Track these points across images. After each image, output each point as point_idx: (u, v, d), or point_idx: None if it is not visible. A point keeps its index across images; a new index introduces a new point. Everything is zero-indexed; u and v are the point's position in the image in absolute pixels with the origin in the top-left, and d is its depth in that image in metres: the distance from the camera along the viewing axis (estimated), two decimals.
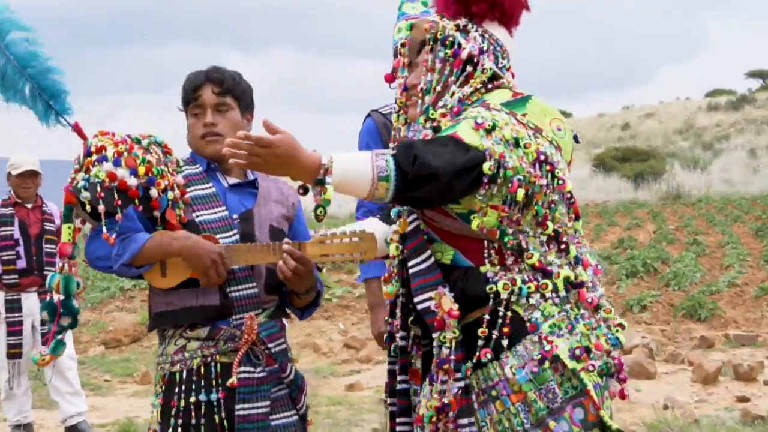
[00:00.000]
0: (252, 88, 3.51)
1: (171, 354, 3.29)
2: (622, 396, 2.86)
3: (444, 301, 2.73)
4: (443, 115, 2.84)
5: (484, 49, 2.89)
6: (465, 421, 2.74)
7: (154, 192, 3.19)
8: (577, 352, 2.69)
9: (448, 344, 2.75)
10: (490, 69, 2.88)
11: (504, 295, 2.71)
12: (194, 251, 3.17)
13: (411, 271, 2.82)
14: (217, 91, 3.37)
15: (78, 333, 11.34)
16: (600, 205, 26.02)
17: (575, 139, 2.98)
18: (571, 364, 2.68)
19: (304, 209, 3.58)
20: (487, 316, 2.73)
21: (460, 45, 2.88)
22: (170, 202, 3.24)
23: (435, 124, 2.83)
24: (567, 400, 2.69)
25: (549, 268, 2.75)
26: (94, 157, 3.18)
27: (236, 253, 3.21)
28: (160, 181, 3.21)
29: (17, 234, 7.12)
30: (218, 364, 3.24)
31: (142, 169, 3.17)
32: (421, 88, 2.92)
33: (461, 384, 2.75)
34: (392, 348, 3.03)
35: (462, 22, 2.93)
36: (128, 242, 3.18)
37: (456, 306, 2.72)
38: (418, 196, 2.64)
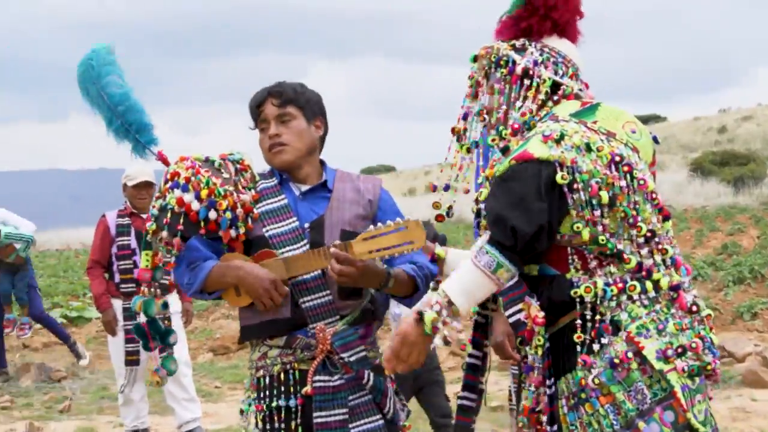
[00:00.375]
0: (319, 96, 3.55)
1: (255, 360, 3.42)
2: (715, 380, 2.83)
3: (531, 310, 2.76)
4: (512, 134, 2.88)
5: (539, 61, 2.93)
6: (552, 429, 2.78)
7: (213, 214, 3.31)
8: (669, 352, 2.68)
9: (533, 351, 2.79)
10: (549, 78, 2.91)
11: (588, 299, 2.73)
12: (247, 281, 3.28)
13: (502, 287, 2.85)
14: (277, 103, 3.44)
15: (187, 340, 11.54)
16: (699, 210, 25.56)
17: (654, 140, 2.97)
18: (658, 365, 2.67)
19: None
20: (579, 321, 2.75)
21: (515, 62, 2.93)
22: (230, 222, 3.33)
23: (505, 143, 2.88)
24: (656, 402, 2.67)
25: (645, 269, 2.75)
26: (169, 184, 3.36)
27: (295, 263, 3.28)
28: (222, 201, 3.32)
29: (134, 244, 7.24)
30: (297, 372, 3.34)
31: (204, 192, 3.31)
32: (479, 111, 2.99)
33: (549, 392, 2.78)
34: (462, 365, 3.08)
35: (519, 42, 2.98)
36: (196, 272, 3.35)
37: (542, 314, 2.75)
38: (534, 253, 2.70)
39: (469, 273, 2.68)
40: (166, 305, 3.50)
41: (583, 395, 2.72)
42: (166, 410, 8.03)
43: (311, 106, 3.48)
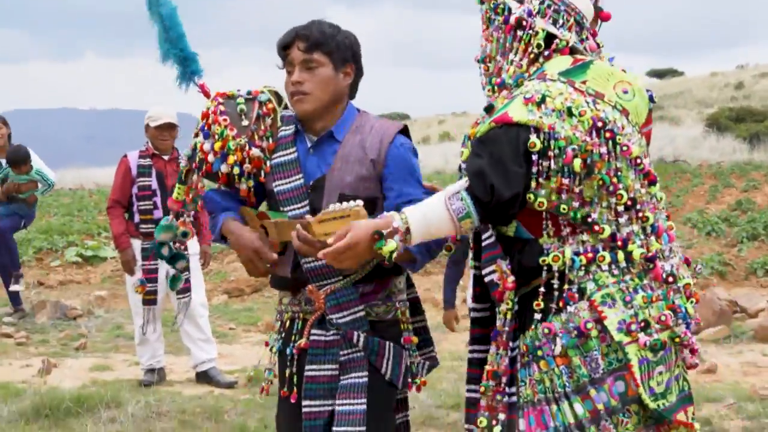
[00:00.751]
0: (352, 40, 3.34)
1: (277, 304, 3.48)
2: (691, 367, 2.82)
3: (502, 273, 2.76)
4: (500, 90, 2.84)
5: (536, 11, 2.84)
6: (509, 390, 2.81)
7: (225, 168, 3.31)
8: (633, 326, 2.66)
9: (502, 316, 2.79)
10: (543, 30, 2.83)
11: (555, 267, 2.71)
12: (236, 248, 3.32)
13: (483, 244, 2.85)
14: (303, 48, 3.26)
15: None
16: (714, 166, 25.42)
17: (651, 99, 2.88)
18: (617, 336, 2.65)
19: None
20: (543, 289, 2.74)
21: (510, 11, 2.86)
22: (236, 177, 3.32)
23: (491, 101, 2.84)
24: (609, 372, 2.67)
25: (620, 239, 2.71)
26: (200, 124, 3.36)
27: (281, 229, 3.22)
28: (231, 156, 3.30)
29: (155, 185, 7.30)
30: (301, 321, 3.36)
31: (218, 145, 3.31)
32: (478, 59, 2.93)
33: (511, 354, 2.80)
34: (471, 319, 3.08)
35: None
36: (215, 222, 3.38)
37: (512, 278, 2.75)
38: (502, 215, 2.69)
39: (437, 211, 2.68)
40: (185, 234, 3.55)
41: (539, 353, 2.72)
42: (181, 350, 8.12)
43: (341, 52, 3.29)
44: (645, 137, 2.84)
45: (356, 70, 3.37)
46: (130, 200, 7.36)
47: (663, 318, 2.69)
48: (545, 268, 2.73)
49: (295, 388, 3.35)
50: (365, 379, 3.25)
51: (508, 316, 2.78)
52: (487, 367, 2.85)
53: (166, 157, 7.38)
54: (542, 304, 2.72)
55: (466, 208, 2.63)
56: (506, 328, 2.79)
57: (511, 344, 2.80)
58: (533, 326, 2.74)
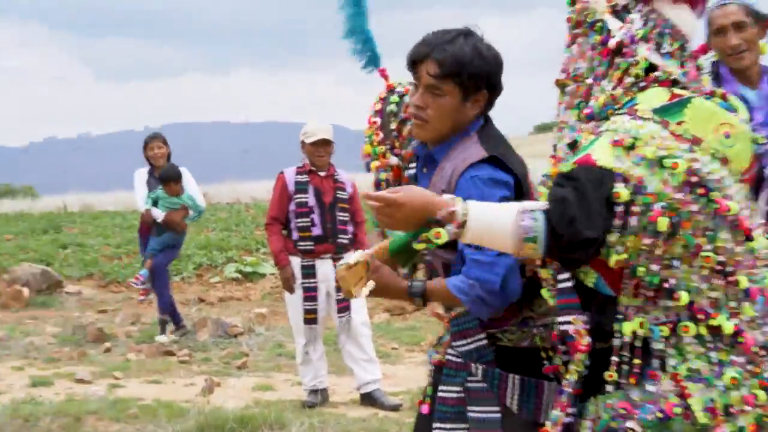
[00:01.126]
0: (492, 64, 3.03)
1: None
2: None
3: (579, 331, 2.49)
4: (587, 120, 2.53)
5: (639, 36, 2.50)
6: None
7: (371, 173, 3.30)
8: (717, 413, 2.35)
9: (570, 376, 2.53)
10: (645, 60, 2.50)
11: (627, 338, 2.40)
12: None
13: (558, 287, 2.53)
14: (434, 73, 2.99)
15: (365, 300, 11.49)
16: None
17: (755, 142, 2.54)
18: (702, 418, 2.33)
19: None
20: (615, 359, 2.43)
21: (609, 32, 2.54)
22: (384, 183, 3.28)
23: (574, 136, 2.56)
24: None
25: (704, 310, 2.37)
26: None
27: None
28: (374, 161, 3.27)
29: (312, 201, 7.23)
30: (449, 334, 3.21)
31: (367, 149, 3.30)
32: (573, 77, 2.63)
33: (569, 420, 2.54)
34: None
35: (623, 1, 2.56)
36: None
37: (587, 340, 2.46)
38: (570, 257, 2.37)
39: (503, 219, 2.37)
40: None
41: (614, 424, 2.43)
42: (344, 370, 7.99)
43: (475, 81, 3.00)
44: (748, 182, 2.53)
45: (491, 94, 3.07)
46: (288, 217, 7.26)
47: (748, 400, 2.38)
48: (617, 336, 2.45)
49: (428, 400, 3.23)
50: (497, 415, 3.06)
51: (575, 378, 2.53)
52: (548, 427, 2.61)
53: (322, 174, 7.27)
54: (615, 375, 2.45)
55: (536, 232, 2.33)
56: (569, 389, 2.53)
57: (569, 409, 2.55)
58: (606, 394, 2.49)
